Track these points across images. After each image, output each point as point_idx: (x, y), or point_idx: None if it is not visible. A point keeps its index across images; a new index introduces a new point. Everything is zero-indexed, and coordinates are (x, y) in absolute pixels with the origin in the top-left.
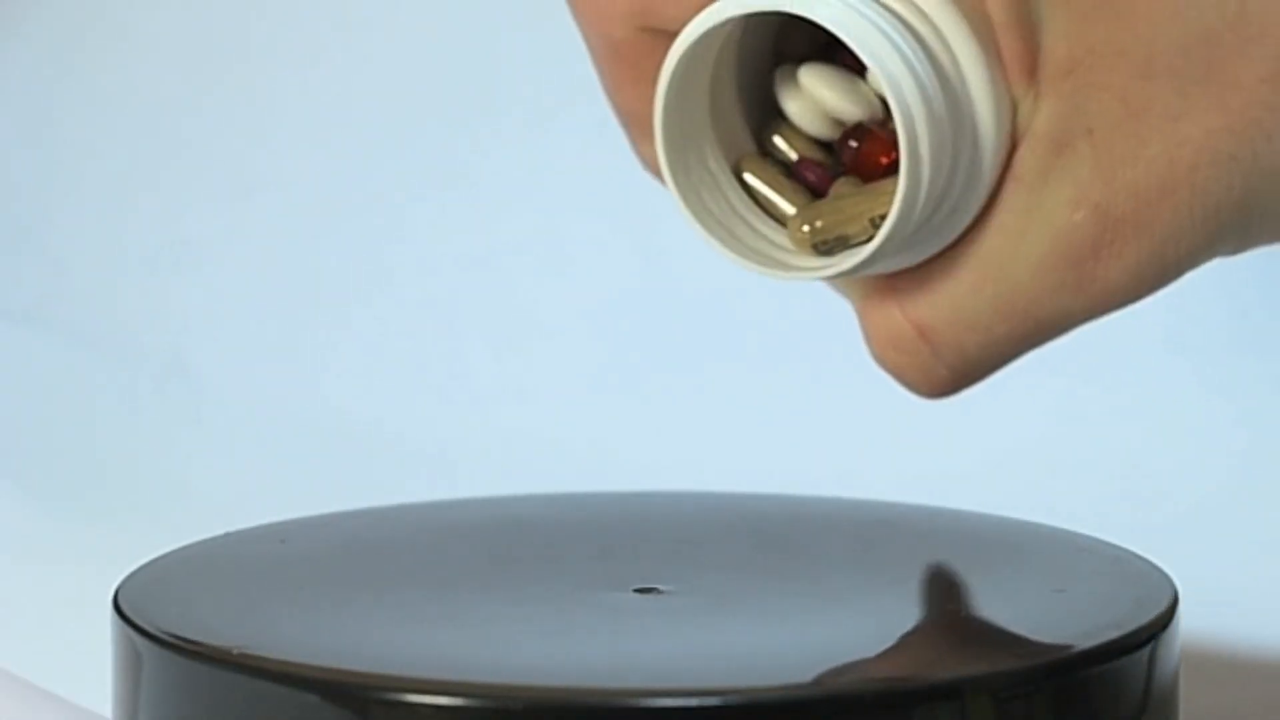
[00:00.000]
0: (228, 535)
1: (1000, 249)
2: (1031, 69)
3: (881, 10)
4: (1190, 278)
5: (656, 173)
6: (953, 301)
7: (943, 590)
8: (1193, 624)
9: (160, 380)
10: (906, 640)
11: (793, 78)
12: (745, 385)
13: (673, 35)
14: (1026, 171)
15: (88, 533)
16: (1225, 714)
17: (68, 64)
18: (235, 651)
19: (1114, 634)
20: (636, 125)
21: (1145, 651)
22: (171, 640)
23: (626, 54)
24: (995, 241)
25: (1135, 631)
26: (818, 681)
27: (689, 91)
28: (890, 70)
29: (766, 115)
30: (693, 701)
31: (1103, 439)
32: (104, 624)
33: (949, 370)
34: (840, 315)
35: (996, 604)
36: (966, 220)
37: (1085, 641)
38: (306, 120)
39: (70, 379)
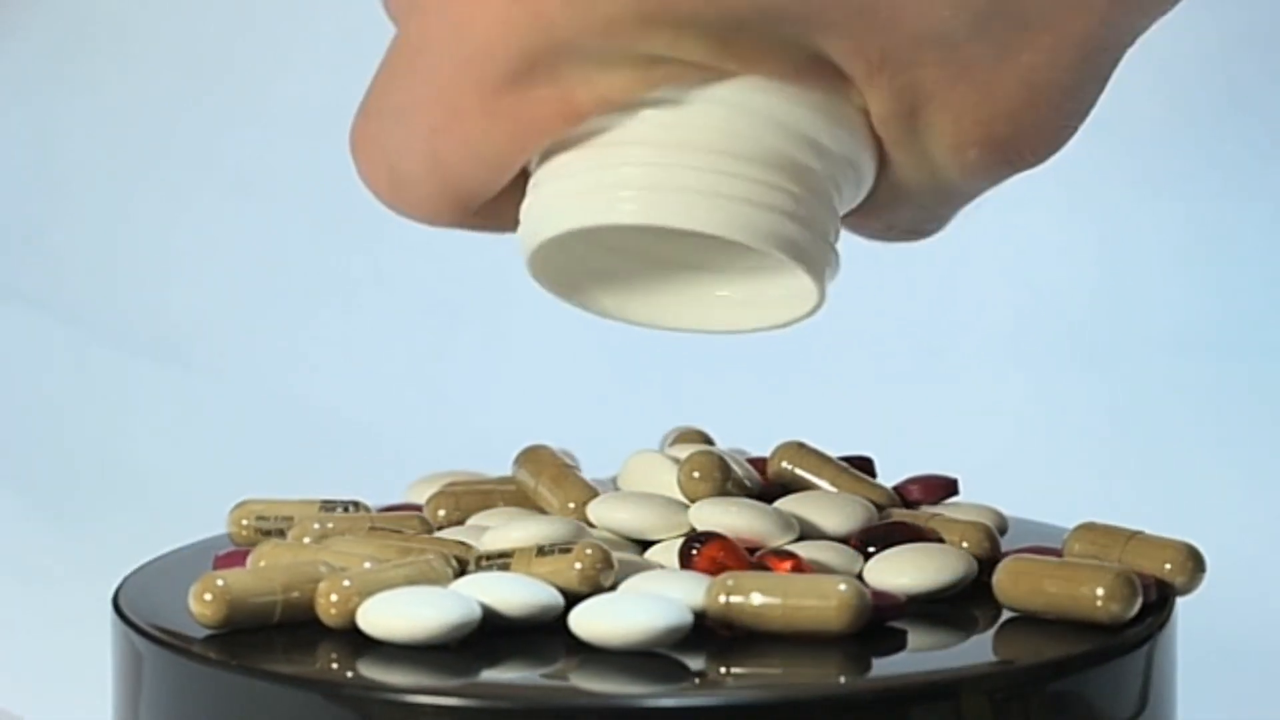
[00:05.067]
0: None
1: (921, 188)
2: (838, 83)
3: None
4: (1200, 277)
5: None
6: (915, 217)
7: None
8: (1192, 624)
9: (160, 377)
10: (902, 639)
11: None
12: (746, 385)
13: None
14: (895, 142)
15: (86, 531)
16: (1224, 714)
17: (68, 64)
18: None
19: (1111, 634)
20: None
21: (1143, 651)
22: (172, 640)
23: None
24: (914, 182)
25: (1133, 631)
26: (812, 680)
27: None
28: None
29: None
30: (690, 701)
31: (1103, 440)
32: (103, 623)
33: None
34: (843, 313)
35: (993, 602)
36: (867, 188)
37: (1083, 641)
38: (304, 118)
39: (68, 375)
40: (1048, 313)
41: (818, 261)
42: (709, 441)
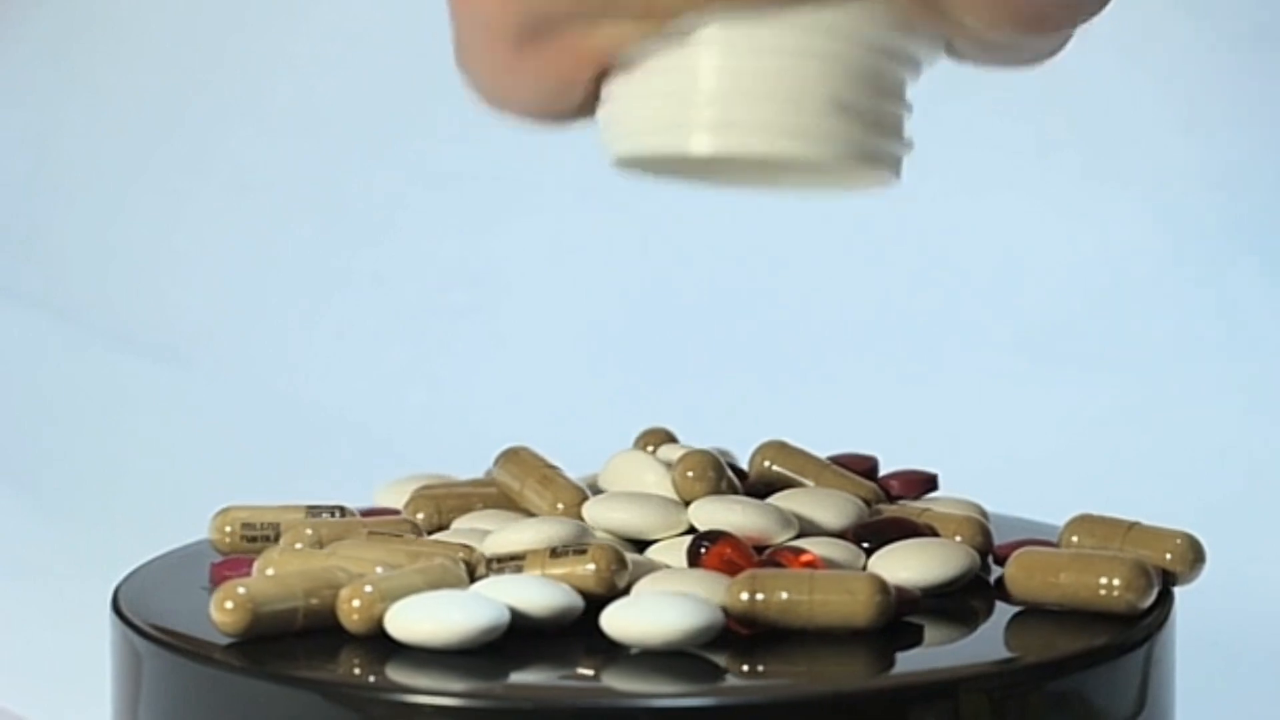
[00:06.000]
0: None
1: (988, 49)
2: None
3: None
4: (1195, 275)
5: None
6: (1008, 61)
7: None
8: (1192, 623)
9: (158, 376)
10: (899, 637)
11: None
12: (747, 387)
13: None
14: (935, 26)
15: (85, 531)
16: (1222, 713)
17: (67, 64)
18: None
19: (1110, 633)
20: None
21: (1142, 651)
22: (171, 641)
23: None
24: (977, 47)
25: (1132, 631)
26: (810, 679)
27: None
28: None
29: None
30: (689, 701)
31: (1101, 442)
32: (103, 623)
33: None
34: (845, 312)
35: (992, 596)
36: (939, 51)
37: (1086, 636)
38: (304, 118)
39: (67, 375)
40: (1040, 311)
41: (895, 160)
42: (674, 441)
